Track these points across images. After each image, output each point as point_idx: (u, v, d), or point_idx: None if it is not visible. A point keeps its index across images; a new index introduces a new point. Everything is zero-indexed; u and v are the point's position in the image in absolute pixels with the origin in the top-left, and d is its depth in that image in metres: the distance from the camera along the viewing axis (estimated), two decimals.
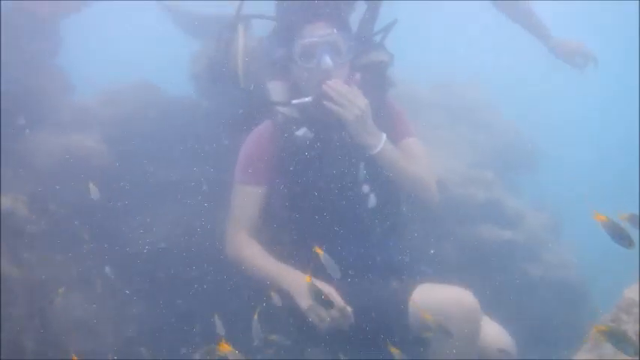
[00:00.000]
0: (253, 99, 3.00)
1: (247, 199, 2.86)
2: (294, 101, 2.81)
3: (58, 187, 3.35)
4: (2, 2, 3.81)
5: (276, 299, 2.64)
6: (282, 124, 2.87)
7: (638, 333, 1.92)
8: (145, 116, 3.88)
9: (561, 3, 9.04)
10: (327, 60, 2.70)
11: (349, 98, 2.71)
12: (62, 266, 3.26)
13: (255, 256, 2.78)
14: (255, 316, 2.56)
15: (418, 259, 3.10)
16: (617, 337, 1.85)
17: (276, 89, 2.94)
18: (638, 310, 1.99)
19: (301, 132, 2.81)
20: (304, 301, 2.55)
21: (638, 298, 2.01)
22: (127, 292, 3.51)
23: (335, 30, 2.77)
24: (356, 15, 3.28)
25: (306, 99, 2.78)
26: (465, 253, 3.87)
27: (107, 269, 3.30)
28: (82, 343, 3.12)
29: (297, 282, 2.62)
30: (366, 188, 2.85)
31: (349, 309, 2.53)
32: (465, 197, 4.02)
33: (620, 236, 2.07)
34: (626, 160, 9.60)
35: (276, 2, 3.26)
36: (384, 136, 2.79)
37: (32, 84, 3.64)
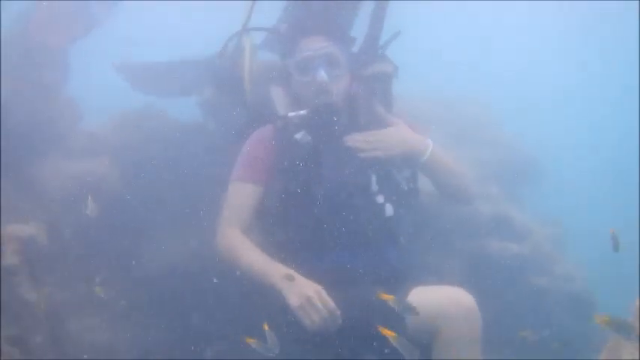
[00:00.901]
0: (255, 108, 3.10)
1: (244, 196, 2.90)
2: (291, 114, 2.89)
3: (71, 212, 3.40)
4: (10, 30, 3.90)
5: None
6: (282, 128, 2.93)
7: None
8: (153, 140, 3.93)
9: (561, 3, 9.08)
10: (322, 74, 2.81)
11: (374, 140, 2.86)
12: (78, 290, 3.31)
13: (247, 250, 2.77)
14: (266, 327, 2.53)
15: (420, 269, 3.12)
16: (617, 325, 2.11)
17: (278, 96, 3.03)
18: None
19: (299, 135, 2.87)
20: (294, 300, 2.53)
21: None
22: (139, 312, 3.56)
23: (331, 43, 2.86)
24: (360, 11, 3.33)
25: (302, 112, 2.88)
26: (471, 267, 3.90)
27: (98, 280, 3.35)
28: None
29: (288, 280, 2.60)
30: (366, 194, 2.89)
31: (338, 312, 2.51)
32: (471, 212, 4.06)
33: None
34: (627, 162, 9.63)
35: (281, 12, 3.34)
36: (430, 141, 2.90)
37: (43, 113, 3.68)
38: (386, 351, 2.47)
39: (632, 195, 8.11)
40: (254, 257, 2.74)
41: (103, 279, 3.36)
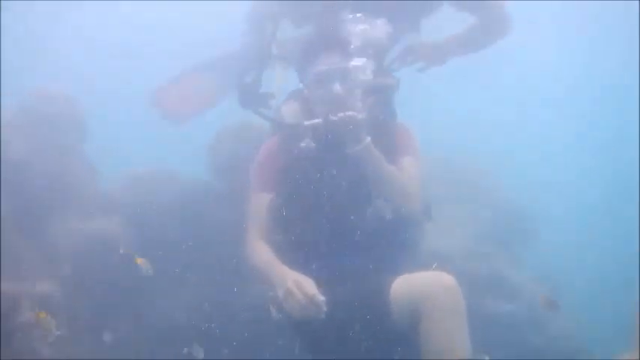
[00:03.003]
0: (271, 121, 3.27)
1: (259, 206, 3.03)
2: (307, 123, 2.99)
3: (84, 270, 3.57)
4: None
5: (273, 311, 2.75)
6: (288, 136, 3.08)
7: None
8: (165, 201, 4.08)
9: (559, 3, 9.08)
10: (337, 87, 2.92)
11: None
12: (88, 344, 3.45)
13: (260, 255, 2.93)
14: None
15: None
16: None
17: (290, 109, 3.17)
18: None
19: (304, 143, 2.97)
20: (280, 293, 2.66)
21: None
22: None
23: (346, 59, 2.98)
24: None
25: (317, 120, 2.96)
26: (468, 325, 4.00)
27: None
28: None
29: (280, 274, 2.73)
30: (367, 198, 2.94)
31: (321, 297, 2.57)
32: (467, 271, 4.16)
33: None
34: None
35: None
36: (368, 139, 2.89)
37: (60, 173, 3.88)
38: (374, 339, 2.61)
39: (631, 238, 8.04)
40: (264, 261, 2.90)
41: (113, 335, 3.50)
